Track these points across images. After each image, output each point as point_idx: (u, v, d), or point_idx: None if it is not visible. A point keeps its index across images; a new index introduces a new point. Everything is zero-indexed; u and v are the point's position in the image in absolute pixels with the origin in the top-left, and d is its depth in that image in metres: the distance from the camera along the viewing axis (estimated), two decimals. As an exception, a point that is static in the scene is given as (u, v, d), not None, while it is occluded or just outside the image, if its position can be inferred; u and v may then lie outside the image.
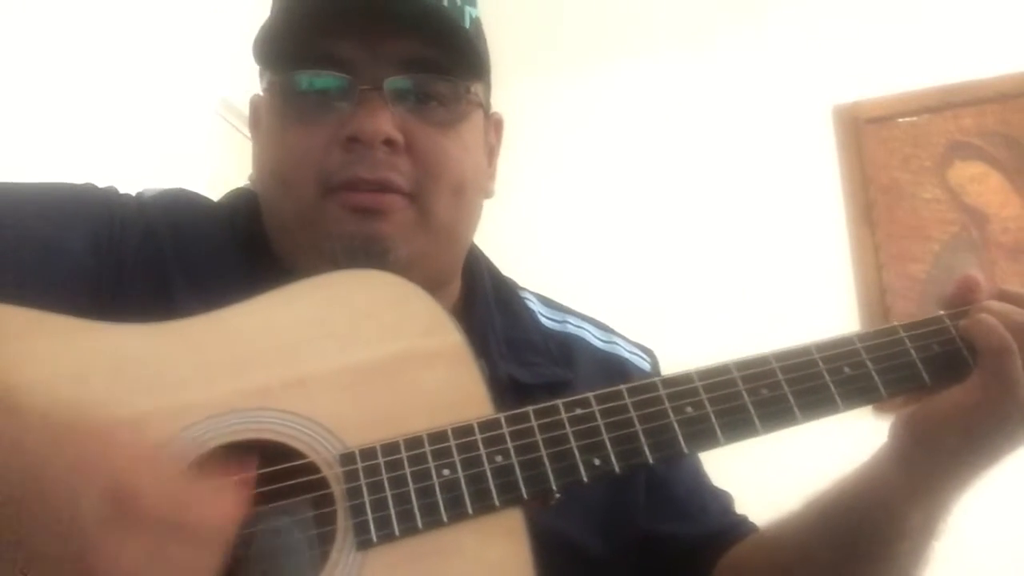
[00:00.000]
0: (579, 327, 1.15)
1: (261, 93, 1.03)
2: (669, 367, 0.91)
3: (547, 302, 1.18)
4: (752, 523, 1.12)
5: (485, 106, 1.05)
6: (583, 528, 1.01)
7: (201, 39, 2.73)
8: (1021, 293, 0.90)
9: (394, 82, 0.94)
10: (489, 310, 1.08)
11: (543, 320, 1.14)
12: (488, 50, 1.04)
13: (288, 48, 0.96)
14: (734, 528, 1.10)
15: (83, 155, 2.28)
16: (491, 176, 1.10)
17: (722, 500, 1.14)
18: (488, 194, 1.09)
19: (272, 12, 0.97)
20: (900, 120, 3.17)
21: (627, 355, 1.15)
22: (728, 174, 3.26)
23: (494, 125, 1.10)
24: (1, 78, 2.18)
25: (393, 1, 0.94)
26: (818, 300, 3.01)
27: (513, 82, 3.20)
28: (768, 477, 1.29)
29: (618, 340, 1.17)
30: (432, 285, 0.95)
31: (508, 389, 1.00)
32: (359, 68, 0.94)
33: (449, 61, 0.96)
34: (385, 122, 0.93)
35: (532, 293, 1.18)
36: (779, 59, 3.28)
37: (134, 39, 2.57)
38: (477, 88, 1.01)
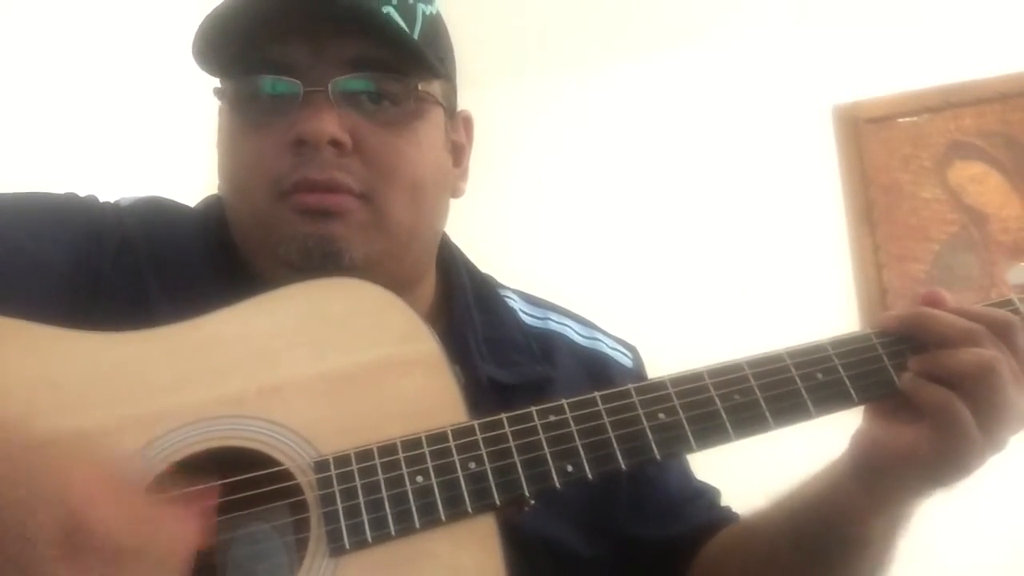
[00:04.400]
0: (561, 324, 1.15)
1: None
2: (671, 368, 0.91)
3: (529, 299, 1.17)
4: (735, 513, 1.13)
5: (448, 104, 1.04)
6: (567, 531, 1.01)
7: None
8: (979, 311, 0.89)
9: (338, 83, 0.94)
10: (468, 310, 1.08)
11: (524, 318, 1.13)
12: (449, 47, 1.04)
13: (231, 52, 0.95)
14: (718, 522, 1.10)
15: (83, 156, 2.29)
16: (461, 175, 1.09)
17: (707, 495, 1.15)
18: (456, 193, 1.08)
19: (210, 14, 0.95)
20: (900, 120, 3.17)
21: (609, 352, 1.15)
22: (728, 174, 3.26)
23: (462, 123, 1.09)
24: (1, 78, 2.19)
25: (335, 2, 0.93)
26: (818, 300, 3.01)
27: (515, 81, 3.23)
28: (758, 471, 1.29)
29: (600, 337, 1.17)
30: (398, 286, 0.95)
31: (488, 390, 1.01)
32: (305, 71, 0.94)
33: (396, 59, 0.95)
34: (330, 123, 0.92)
35: (513, 290, 1.18)
36: (779, 59, 3.28)
37: (134, 39, 2.58)
38: (433, 86, 1.00)
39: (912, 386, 0.88)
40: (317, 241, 0.93)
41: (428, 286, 1.08)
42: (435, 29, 1.01)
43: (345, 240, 0.93)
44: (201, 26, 0.94)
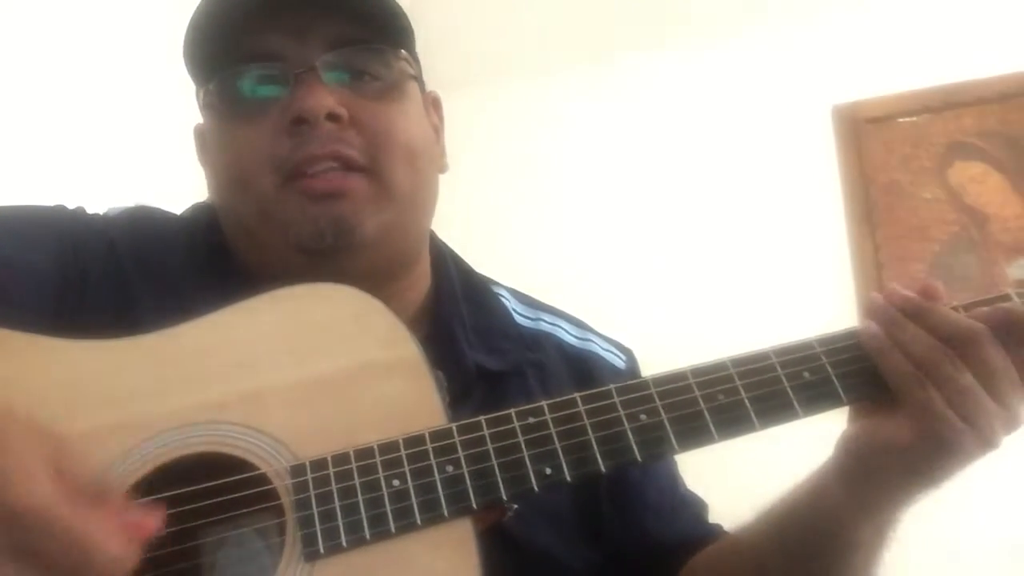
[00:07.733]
0: (553, 324, 1.14)
1: (200, 110, 1.04)
2: (669, 369, 0.89)
3: (523, 298, 1.17)
4: (723, 530, 1.11)
5: (419, 80, 1.07)
6: (556, 540, 1.00)
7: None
8: (918, 303, 0.87)
9: (326, 60, 0.96)
10: (455, 299, 1.08)
11: (517, 317, 1.13)
12: (411, 24, 1.05)
13: (216, 49, 0.97)
14: (703, 536, 1.08)
15: (82, 159, 2.29)
16: (442, 152, 1.11)
17: (695, 507, 1.13)
18: (442, 169, 1.10)
19: (193, 17, 0.98)
20: (900, 120, 3.16)
21: (601, 353, 1.14)
22: (728, 174, 3.25)
23: (432, 103, 1.11)
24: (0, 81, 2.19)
25: None
26: (818, 300, 2.99)
27: (513, 80, 3.22)
28: (750, 481, 1.28)
29: (593, 338, 1.16)
30: (401, 262, 0.98)
31: (477, 379, 1.01)
32: (290, 56, 0.96)
33: (375, 34, 0.99)
34: (325, 97, 0.94)
35: (507, 289, 1.17)
36: (779, 59, 3.27)
37: (134, 40, 2.58)
38: (408, 57, 1.03)
39: (881, 359, 0.86)
40: (328, 221, 0.94)
41: (423, 271, 1.08)
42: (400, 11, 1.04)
43: (356, 216, 0.95)
44: (187, 30, 0.98)
